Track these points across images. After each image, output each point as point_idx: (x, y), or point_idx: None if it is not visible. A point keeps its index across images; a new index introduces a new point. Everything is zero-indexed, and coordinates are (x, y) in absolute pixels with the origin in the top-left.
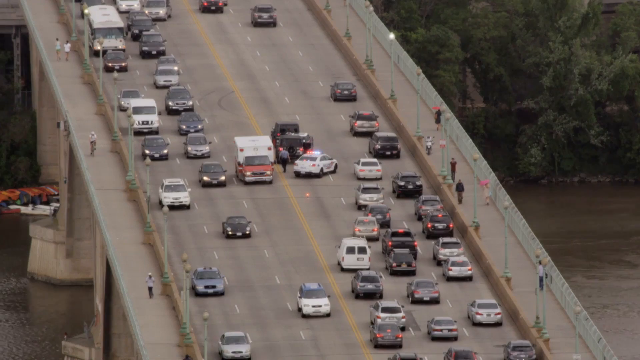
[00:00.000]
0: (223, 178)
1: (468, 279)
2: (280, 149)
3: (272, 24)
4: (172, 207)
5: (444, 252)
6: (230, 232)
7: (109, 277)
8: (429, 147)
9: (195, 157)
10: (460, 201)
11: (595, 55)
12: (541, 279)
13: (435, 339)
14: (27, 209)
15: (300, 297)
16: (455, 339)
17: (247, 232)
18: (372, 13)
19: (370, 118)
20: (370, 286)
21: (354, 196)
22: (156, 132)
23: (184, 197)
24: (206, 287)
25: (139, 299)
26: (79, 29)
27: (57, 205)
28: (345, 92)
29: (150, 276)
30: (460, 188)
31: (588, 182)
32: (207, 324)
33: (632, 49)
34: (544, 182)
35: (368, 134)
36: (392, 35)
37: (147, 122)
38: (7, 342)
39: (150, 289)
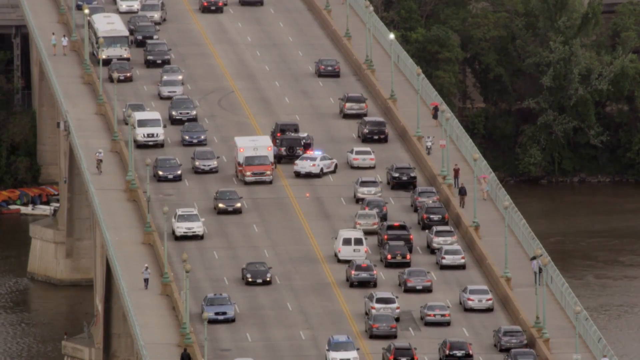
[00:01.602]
0: (239, 205)
1: (461, 267)
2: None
3: (259, 2)
4: (186, 237)
5: (437, 241)
6: (250, 279)
7: (109, 277)
8: (429, 147)
9: (203, 172)
10: (462, 205)
11: (595, 55)
12: (537, 274)
13: (428, 324)
14: (27, 209)
15: (328, 350)
16: (448, 324)
17: (268, 279)
18: (372, 13)
19: (359, 100)
20: (364, 275)
21: (352, 190)
22: (161, 145)
23: (197, 227)
24: (216, 313)
25: (139, 298)
26: (79, 30)
27: (57, 205)
28: (329, 69)
29: (146, 267)
30: (462, 192)
31: (588, 182)
32: (207, 324)
33: (632, 49)
34: (544, 182)
35: (357, 116)
36: (392, 35)
37: (153, 135)
38: (7, 342)
39: (146, 280)
